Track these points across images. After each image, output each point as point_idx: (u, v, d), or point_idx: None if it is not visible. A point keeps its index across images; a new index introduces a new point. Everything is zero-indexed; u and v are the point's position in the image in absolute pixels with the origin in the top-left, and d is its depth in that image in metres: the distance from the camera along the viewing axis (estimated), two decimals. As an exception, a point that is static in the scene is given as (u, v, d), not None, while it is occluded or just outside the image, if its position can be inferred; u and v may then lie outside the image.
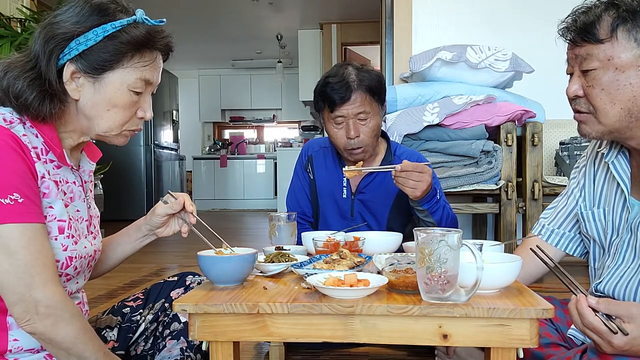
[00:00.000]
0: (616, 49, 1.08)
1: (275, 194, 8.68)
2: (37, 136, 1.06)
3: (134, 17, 1.07)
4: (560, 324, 1.30)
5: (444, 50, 2.77)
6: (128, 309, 1.37)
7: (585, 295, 1.00)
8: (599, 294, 1.24)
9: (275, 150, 9.05)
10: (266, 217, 1.67)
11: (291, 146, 9.03)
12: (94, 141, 1.21)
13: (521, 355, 0.97)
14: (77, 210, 1.15)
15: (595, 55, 1.10)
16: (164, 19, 1.12)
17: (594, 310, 0.98)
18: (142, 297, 1.40)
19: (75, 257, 1.10)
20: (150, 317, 1.36)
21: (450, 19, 3.37)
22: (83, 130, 1.13)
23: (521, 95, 2.89)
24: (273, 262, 1.26)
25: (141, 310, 1.36)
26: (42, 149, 1.06)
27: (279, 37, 7.88)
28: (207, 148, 10.10)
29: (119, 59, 1.06)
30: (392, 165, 1.61)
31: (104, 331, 1.31)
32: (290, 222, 1.57)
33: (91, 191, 1.26)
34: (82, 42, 1.04)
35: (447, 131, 2.72)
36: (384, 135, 1.96)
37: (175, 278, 1.43)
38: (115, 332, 1.32)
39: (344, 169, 1.68)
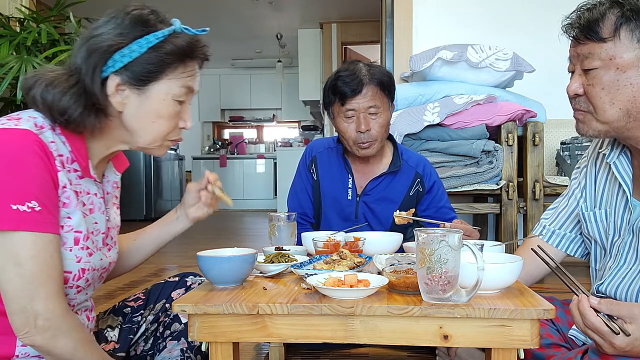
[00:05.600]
0: (618, 49, 1.08)
1: (275, 194, 8.68)
2: (64, 144, 1.05)
3: (172, 27, 1.07)
4: (562, 324, 1.30)
5: (444, 49, 2.76)
6: (129, 309, 1.36)
7: (587, 296, 1.00)
8: (600, 294, 1.23)
9: (275, 150, 9.05)
10: (266, 217, 1.66)
11: (291, 146, 9.02)
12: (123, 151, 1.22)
13: (522, 356, 0.96)
14: (95, 223, 1.14)
15: (597, 54, 1.10)
16: (207, 28, 1.13)
17: (596, 310, 0.98)
18: (143, 297, 1.39)
19: (88, 270, 1.09)
20: (150, 317, 1.36)
21: (451, 18, 3.37)
22: (123, 141, 1.13)
23: (522, 95, 2.89)
24: (273, 262, 1.26)
25: (142, 311, 1.36)
26: (67, 157, 1.06)
27: (279, 37, 7.88)
28: (207, 148, 10.10)
29: (163, 69, 1.06)
30: (440, 222, 1.58)
31: (105, 331, 1.31)
32: (290, 222, 1.57)
33: (117, 197, 1.25)
34: (126, 54, 1.03)
35: (447, 131, 2.72)
36: (390, 137, 1.95)
37: (177, 279, 1.43)
38: (116, 332, 1.32)
39: (394, 214, 1.61)
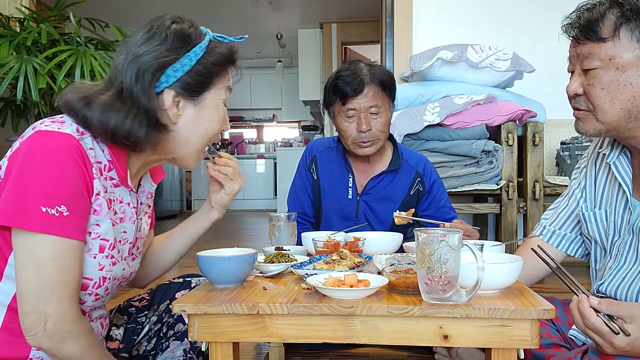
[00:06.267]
0: (618, 49, 1.08)
1: (275, 194, 8.67)
2: (103, 151, 1.06)
3: (208, 37, 1.11)
4: (562, 324, 1.30)
5: (444, 49, 2.76)
6: (134, 308, 1.37)
7: (587, 296, 1.00)
8: (600, 295, 1.23)
9: (275, 150, 9.03)
10: (266, 217, 1.66)
11: (291, 146, 9.02)
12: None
13: (522, 356, 0.96)
14: (124, 232, 1.15)
15: (597, 54, 1.10)
16: (246, 35, 1.19)
17: (596, 310, 0.98)
18: (148, 297, 1.40)
19: (109, 279, 1.09)
20: (154, 318, 1.36)
21: (451, 18, 3.37)
22: (170, 152, 1.15)
23: (522, 95, 2.89)
24: (273, 262, 1.26)
25: (146, 312, 1.36)
26: (105, 165, 1.06)
27: (279, 37, 7.88)
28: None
29: (212, 79, 1.11)
30: (440, 222, 1.58)
31: (110, 330, 1.32)
32: (290, 222, 1.57)
33: (149, 206, 1.27)
34: (179, 68, 1.07)
35: (447, 131, 2.72)
36: (390, 136, 1.95)
37: (180, 280, 1.43)
38: (121, 331, 1.32)
39: (394, 214, 1.63)
